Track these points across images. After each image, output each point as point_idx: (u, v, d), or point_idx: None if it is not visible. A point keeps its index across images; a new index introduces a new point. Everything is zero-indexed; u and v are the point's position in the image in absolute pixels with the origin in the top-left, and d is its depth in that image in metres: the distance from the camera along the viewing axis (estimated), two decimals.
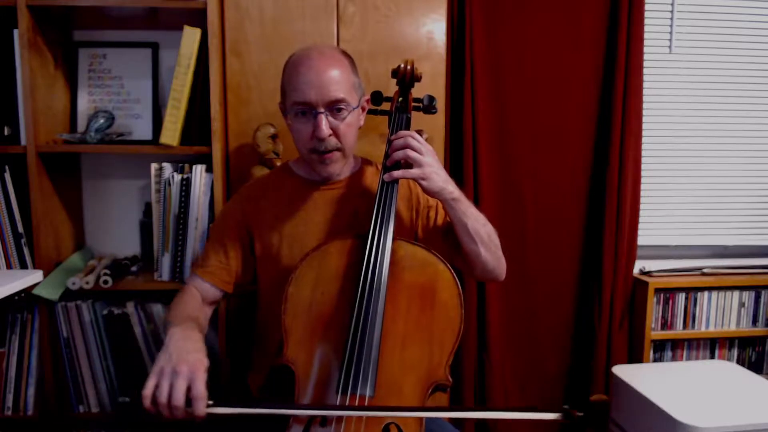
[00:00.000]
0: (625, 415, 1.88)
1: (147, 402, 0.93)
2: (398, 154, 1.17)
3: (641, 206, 2.14)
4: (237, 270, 1.30)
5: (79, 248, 1.86)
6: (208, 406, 0.93)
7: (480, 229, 1.21)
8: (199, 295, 1.27)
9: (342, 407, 0.99)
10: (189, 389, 0.93)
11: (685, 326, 2.20)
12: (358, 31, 1.69)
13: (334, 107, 1.19)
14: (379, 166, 1.24)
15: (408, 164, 1.18)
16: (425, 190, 1.18)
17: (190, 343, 1.02)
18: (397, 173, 1.16)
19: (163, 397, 0.92)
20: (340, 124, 1.20)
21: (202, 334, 1.10)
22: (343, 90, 1.19)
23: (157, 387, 0.93)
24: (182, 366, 0.94)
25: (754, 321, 2.23)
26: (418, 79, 1.34)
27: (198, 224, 1.65)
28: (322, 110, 1.17)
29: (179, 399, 0.92)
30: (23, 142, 1.60)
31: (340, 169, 1.28)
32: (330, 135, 1.19)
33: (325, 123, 1.18)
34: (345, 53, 1.25)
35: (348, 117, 1.21)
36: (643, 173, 2.14)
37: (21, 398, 1.66)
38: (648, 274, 2.19)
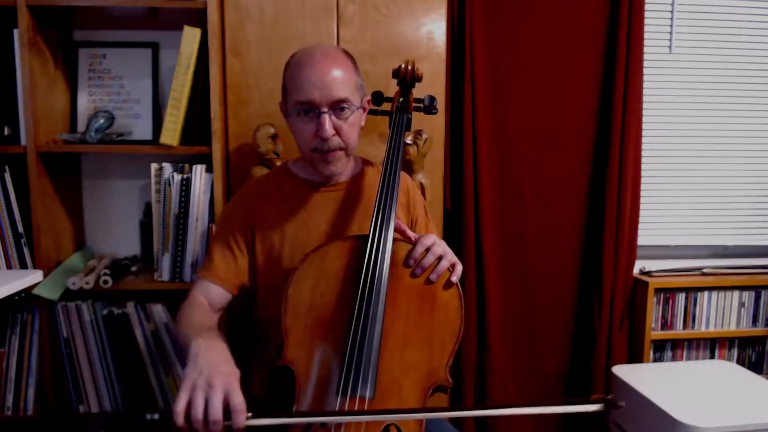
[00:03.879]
0: (625, 415, 1.88)
1: (180, 419, 0.87)
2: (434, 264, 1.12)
3: (641, 206, 2.14)
4: (245, 271, 1.28)
5: (79, 248, 1.86)
6: (248, 418, 0.88)
7: None
8: (207, 304, 1.24)
9: (365, 412, 0.98)
10: (226, 402, 0.88)
11: (685, 326, 2.20)
12: (358, 31, 1.69)
13: (338, 107, 1.19)
14: (380, 167, 1.24)
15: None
16: None
17: (218, 354, 0.98)
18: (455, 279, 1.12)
19: (198, 413, 0.87)
20: (343, 124, 1.20)
21: (226, 343, 1.05)
22: (347, 90, 1.19)
23: (190, 403, 0.88)
24: (216, 379, 0.90)
25: (754, 321, 2.23)
26: (419, 79, 1.35)
27: (198, 224, 1.65)
28: (325, 110, 1.17)
29: (217, 413, 0.87)
30: (23, 142, 1.60)
31: (343, 168, 1.28)
32: (333, 134, 1.19)
33: (329, 122, 1.17)
34: (347, 53, 1.25)
35: (351, 117, 1.21)
36: (643, 173, 2.14)
37: (21, 398, 1.66)
38: (648, 274, 2.19)
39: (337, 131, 1.20)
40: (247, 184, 1.42)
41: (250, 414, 0.89)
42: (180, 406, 0.88)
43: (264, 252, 1.28)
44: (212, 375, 0.91)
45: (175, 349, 1.68)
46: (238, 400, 0.89)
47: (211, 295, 1.25)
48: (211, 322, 1.16)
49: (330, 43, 1.67)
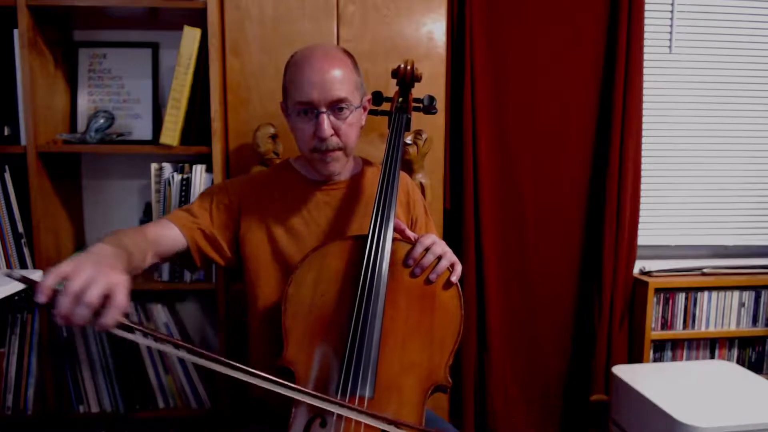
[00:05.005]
0: (625, 415, 1.88)
1: (50, 281, 0.77)
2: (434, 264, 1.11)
3: (641, 206, 2.14)
4: (213, 239, 1.23)
5: (79, 248, 1.86)
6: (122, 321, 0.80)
7: None
8: (155, 236, 1.15)
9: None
10: (106, 296, 0.79)
11: (685, 326, 2.20)
12: (358, 31, 1.69)
13: (336, 107, 1.18)
14: (380, 167, 1.24)
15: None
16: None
17: (117, 261, 0.91)
18: (454, 279, 1.12)
19: (74, 284, 0.77)
20: (342, 124, 1.20)
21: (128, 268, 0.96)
22: (346, 89, 1.19)
23: (70, 274, 0.78)
24: (107, 269, 0.82)
25: (754, 321, 2.23)
26: (419, 79, 1.34)
27: None
28: (324, 110, 1.17)
29: (93, 294, 0.77)
30: (23, 142, 1.60)
31: (342, 168, 1.28)
32: (332, 135, 1.19)
33: (327, 123, 1.17)
34: (347, 53, 1.25)
35: (350, 117, 1.21)
36: (643, 173, 2.14)
37: (21, 398, 1.66)
38: (648, 274, 2.19)
39: (336, 131, 1.20)
40: (248, 174, 1.42)
41: (125, 319, 0.80)
42: (56, 271, 0.78)
43: (263, 250, 1.27)
44: (104, 265, 0.84)
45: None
46: (122, 296, 0.81)
47: (164, 233, 1.18)
48: (135, 249, 1.03)
49: (330, 43, 1.67)
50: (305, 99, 1.17)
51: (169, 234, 1.18)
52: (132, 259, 1.01)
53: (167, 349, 0.85)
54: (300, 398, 0.96)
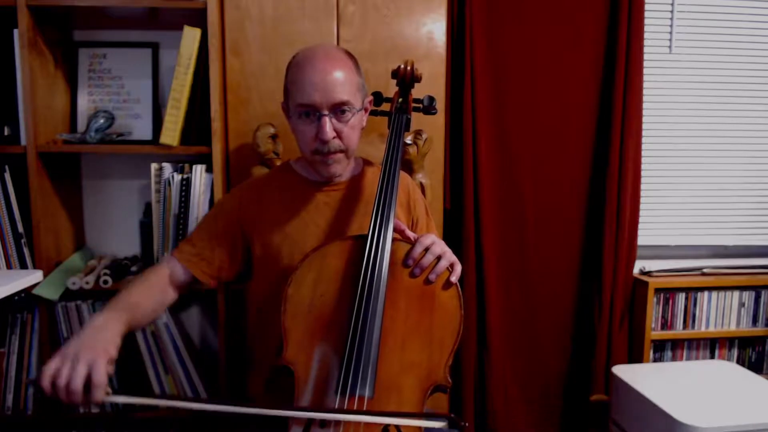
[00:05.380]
0: (625, 415, 1.88)
1: (45, 383, 0.93)
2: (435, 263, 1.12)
3: (641, 206, 2.14)
4: (219, 265, 1.28)
5: (79, 248, 1.86)
6: (108, 394, 0.94)
7: None
8: (168, 278, 1.25)
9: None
10: (89, 376, 0.93)
11: (685, 326, 2.20)
12: (358, 31, 1.69)
13: (338, 109, 1.18)
14: (380, 168, 1.24)
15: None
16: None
17: (103, 333, 1.02)
18: (454, 279, 1.12)
19: (61, 380, 0.92)
20: (344, 127, 1.19)
21: (132, 324, 1.11)
22: (348, 92, 1.18)
23: (58, 370, 0.94)
24: (85, 353, 0.95)
25: (754, 321, 2.23)
26: (418, 79, 1.34)
27: None
28: (326, 112, 1.17)
29: (76, 384, 0.92)
30: (23, 142, 1.60)
31: (343, 170, 1.28)
32: (333, 137, 1.19)
33: (329, 126, 1.17)
34: (349, 54, 1.25)
35: (352, 119, 1.20)
36: (643, 173, 2.14)
37: (21, 398, 1.66)
38: (648, 274, 2.19)
39: (338, 134, 1.19)
40: (248, 181, 1.42)
41: (109, 390, 0.94)
42: (47, 372, 0.94)
43: (263, 250, 1.28)
44: (83, 349, 0.96)
45: (175, 348, 1.69)
46: (98, 376, 0.93)
47: (175, 272, 1.26)
48: (140, 299, 1.17)
49: (332, 44, 1.67)
50: (307, 101, 1.17)
51: (174, 272, 1.26)
52: (136, 312, 1.13)
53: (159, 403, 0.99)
54: (301, 416, 0.99)
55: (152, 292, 1.22)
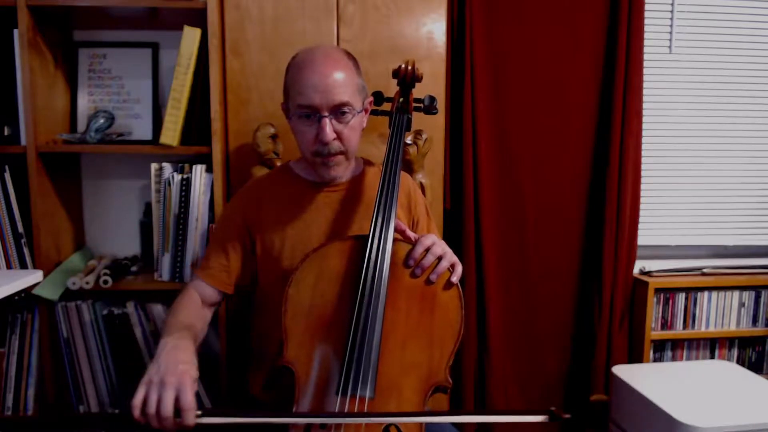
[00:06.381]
0: (625, 415, 1.88)
1: (136, 413, 0.94)
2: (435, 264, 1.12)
3: (641, 206, 2.14)
4: (237, 272, 1.30)
5: (79, 248, 1.86)
6: (198, 416, 0.93)
7: None
8: (199, 298, 1.27)
9: (339, 414, 0.99)
10: (178, 400, 0.93)
11: (685, 326, 2.20)
12: (358, 31, 1.69)
13: (339, 111, 1.18)
14: (380, 168, 1.24)
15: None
16: None
17: (180, 353, 1.01)
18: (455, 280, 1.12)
19: (151, 409, 0.93)
20: (344, 128, 1.19)
21: (196, 342, 1.10)
22: (348, 93, 1.18)
23: (146, 398, 0.94)
24: (170, 377, 0.94)
25: (754, 321, 2.23)
26: (419, 79, 1.34)
27: (198, 224, 1.65)
28: (326, 114, 1.16)
29: (168, 410, 0.92)
30: (23, 142, 1.60)
31: (343, 171, 1.27)
32: (334, 139, 1.18)
33: (329, 127, 1.17)
34: (350, 55, 1.24)
35: (352, 120, 1.20)
36: (643, 173, 2.14)
37: (21, 398, 1.66)
38: (648, 274, 2.19)
39: (338, 135, 1.19)
40: (248, 183, 1.42)
41: (200, 412, 0.93)
42: (136, 401, 0.94)
43: (264, 252, 1.28)
44: (167, 373, 0.95)
45: None
46: (188, 399, 0.93)
47: (203, 293, 1.28)
48: (191, 319, 1.17)
49: (332, 44, 1.67)
50: (307, 103, 1.16)
51: (203, 293, 1.28)
52: (194, 332, 1.13)
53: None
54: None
55: (196, 313, 1.23)
